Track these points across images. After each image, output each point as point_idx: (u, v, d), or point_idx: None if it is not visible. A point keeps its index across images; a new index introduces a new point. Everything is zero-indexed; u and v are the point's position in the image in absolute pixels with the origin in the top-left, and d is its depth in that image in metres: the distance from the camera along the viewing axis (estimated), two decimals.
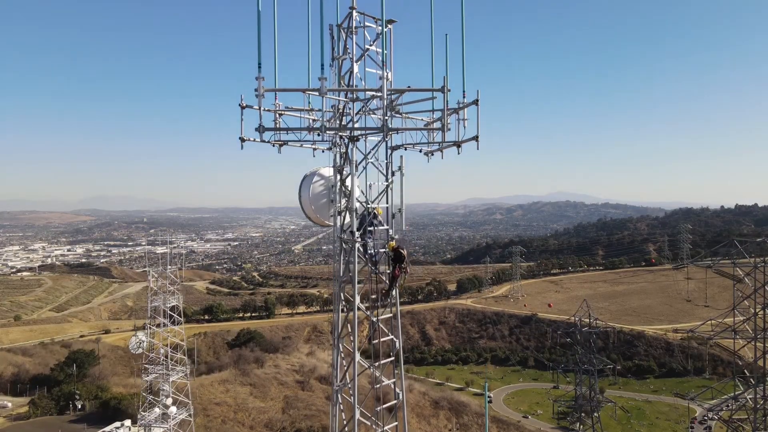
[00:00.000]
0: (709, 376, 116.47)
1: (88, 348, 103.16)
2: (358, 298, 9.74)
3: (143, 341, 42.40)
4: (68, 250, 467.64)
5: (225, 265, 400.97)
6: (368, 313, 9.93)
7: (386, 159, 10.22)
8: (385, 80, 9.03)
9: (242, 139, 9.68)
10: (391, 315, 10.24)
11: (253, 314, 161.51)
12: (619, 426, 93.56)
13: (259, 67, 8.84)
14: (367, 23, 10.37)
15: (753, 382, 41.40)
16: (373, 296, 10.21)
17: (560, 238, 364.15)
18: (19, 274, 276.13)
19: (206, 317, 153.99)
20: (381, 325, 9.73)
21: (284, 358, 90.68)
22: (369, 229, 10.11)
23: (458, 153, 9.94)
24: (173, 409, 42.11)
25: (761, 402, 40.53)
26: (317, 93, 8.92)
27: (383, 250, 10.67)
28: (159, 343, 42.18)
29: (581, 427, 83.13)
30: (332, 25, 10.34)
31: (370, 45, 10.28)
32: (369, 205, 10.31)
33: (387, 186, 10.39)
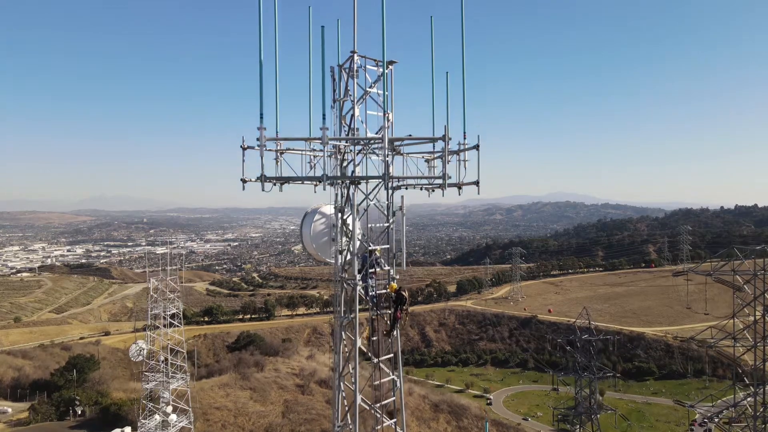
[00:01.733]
0: (709, 378, 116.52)
1: (88, 350, 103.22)
2: (359, 341, 9.72)
3: (143, 349, 42.41)
4: (68, 251, 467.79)
5: (225, 266, 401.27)
6: (370, 353, 9.93)
7: (387, 200, 10.19)
8: (386, 129, 9.02)
9: (243, 181, 9.65)
10: (392, 355, 10.22)
11: (253, 316, 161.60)
12: (618, 430, 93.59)
13: (261, 118, 8.81)
14: (368, 65, 10.26)
15: (753, 390, 41.40)
16: (374, 338, 10.19)
17: (560, 239, 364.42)
18: (18, 274, 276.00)
19: (206, 319, 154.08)
20: (382, 365, 9.72)
21: (284, 362, 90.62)
22: (370, 270, 10.12)
23: (459, 194, 9.96)
24: (173, 416, 42.11)
25: (761, 409, 40.55)
26: (319, 141, 8.91)
27: (384, 291, 10.66)
28: (159, 351, 42.19)
29: (581, 430, 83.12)
30: (333, 67, 10.33)
31: (371, 87, 10.25)
32: (370, 247, 10.29)
33: (388, 227, 10.37)
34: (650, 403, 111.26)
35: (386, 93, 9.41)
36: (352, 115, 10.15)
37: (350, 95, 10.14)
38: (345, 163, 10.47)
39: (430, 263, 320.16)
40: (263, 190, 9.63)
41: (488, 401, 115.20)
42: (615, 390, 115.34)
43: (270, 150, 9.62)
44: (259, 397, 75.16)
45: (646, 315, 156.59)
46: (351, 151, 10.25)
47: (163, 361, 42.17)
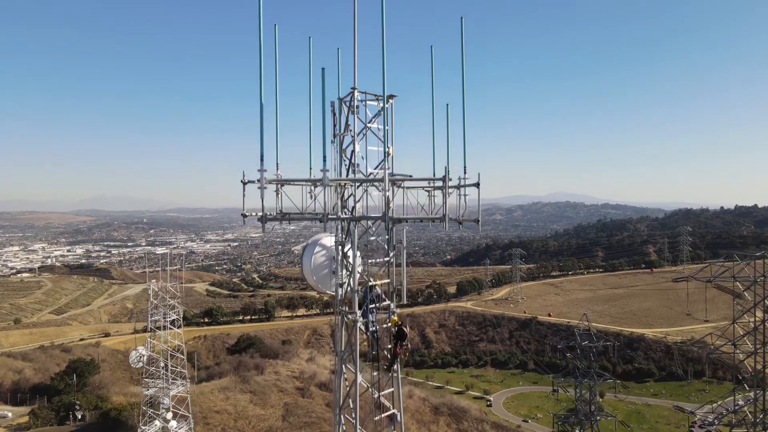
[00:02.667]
0: (708, 379, 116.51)
1: (88, 352, 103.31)
2: (360, 377, 9.70)
3: (143, 356, 42.44)
4: (68, 251, 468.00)
5: (225, 266, 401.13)
6: (371, 388, 9.91)
7: (387, 234, 10.14)
8: (386, 171, 8.99)
9: (244, 215, 9.63)
10: (392, 389, 10.20)
11: (253, 317, 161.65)
12: None
13: (261, 160, 8.79)
14: (368, 101, 10.21)
15: (752, 398, 41.40)
16: (375, 373, 10.18)
17: (560, 239, 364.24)
18: (18, 275, 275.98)
19: (206, 320, 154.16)
20: (383, 399, 9.70)
21: (284, 365, 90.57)
22: (371, 306, 10.11)
23: (460, 227, 9.91)
24: (173, 423, 42.10)
25: (761, 416, 40.55)
26: (320, 184, 8.90)
27: (386, 325, 10.62)
28: (159, 357, 42.20)
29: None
30: (333, 102, 10.28)
31: (371, 122, 10.22)
32: (371, 282, 10.28)
33: (388, 261, 10.34)
34: (650, 404, 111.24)
35: (386, 128, 9.36)
36: (353, 151, 10.14)
37: (350, 130, 10.11)
38: (345, 196, 10.43)
39: (430, 264, 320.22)
40: (263, 231, 9.65)
41: (488, 403, 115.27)
42: (615, 393, 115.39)
43: (271, 182, 9.56)
44: (259, 401, 75.15)
45: (646, 316, 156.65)
46: (352, 185, 10.21)
47: (163, 368, 42.17)
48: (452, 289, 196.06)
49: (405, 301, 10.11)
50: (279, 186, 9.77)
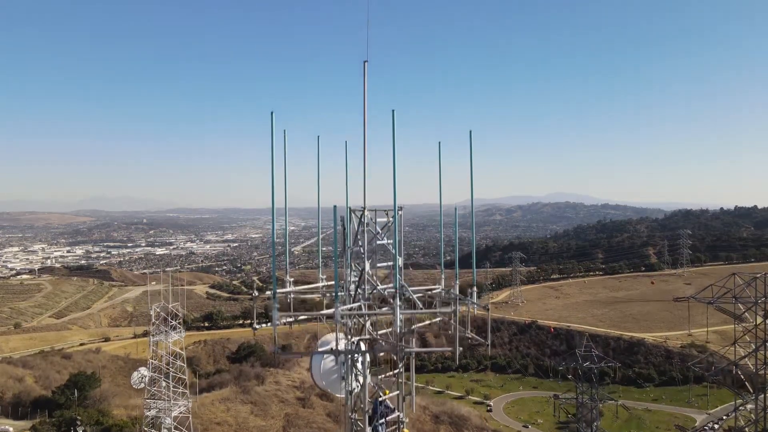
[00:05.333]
0: (709, 384, 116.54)
1: (89, 358, 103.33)
2: None
3: (145, 377, 42.51)
4: (68, 252, 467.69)
5: (224, 267, 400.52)
6: None
7: (396, 352, 10.13)
8: (397, 308, 9.00)
9: (254, 328, 9.71)
10: None
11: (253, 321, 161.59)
12: None
13: (275, 296, 8.87)
14: (378, 218, 10.29)
15: (754, 417, 41.60)
16: None
17: (560, 241, 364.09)
18: (18, 276, 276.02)
19: (206, 324, 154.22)
20: None
21: (285, 374, 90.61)
22: (380, 422, 10.13)
23: (469, 343, 10.01)
24: None
25: None
26: (331, 319, 8.98)
27: None
28: (161, 377, 42.29)
29: None
30: (343, 217, 10.36)
31: (382, 238, 10.29)
32: (381, 398, 10.31)
33: (396, 373, 10.39)
34: (650, 410, 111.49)
35: (397, 238, 9.44)
36: (363, 269, 10.21)
37: (360, 245, 10.18)
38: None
39: (430, 265, 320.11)
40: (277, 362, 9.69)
41: (488, 408, 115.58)
42: (616, 396, 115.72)
43: (283, 317, 9.65)
44: (259, 411, 75.27)
45: (646, 320, 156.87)
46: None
47: (164, 387, 42.27)
48: None
49: (414, 411, 10.13)
50: (290, 297, 9.84)
